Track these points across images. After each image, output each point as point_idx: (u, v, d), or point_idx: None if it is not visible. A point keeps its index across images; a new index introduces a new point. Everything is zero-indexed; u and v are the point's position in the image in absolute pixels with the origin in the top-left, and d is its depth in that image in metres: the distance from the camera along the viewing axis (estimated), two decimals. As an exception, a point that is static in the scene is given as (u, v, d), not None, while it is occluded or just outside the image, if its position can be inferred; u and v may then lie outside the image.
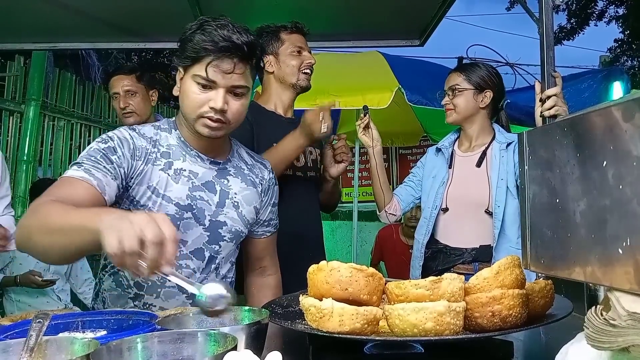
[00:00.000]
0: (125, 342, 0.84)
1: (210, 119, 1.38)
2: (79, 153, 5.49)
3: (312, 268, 1.01)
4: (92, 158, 1.33)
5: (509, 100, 3.39)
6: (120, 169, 1.35)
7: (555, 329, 1.07)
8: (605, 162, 0.71)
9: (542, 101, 1.76)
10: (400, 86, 4.01)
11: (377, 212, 2.36)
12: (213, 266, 1.52)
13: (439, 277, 0.95)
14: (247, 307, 1.13)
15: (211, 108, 1.36)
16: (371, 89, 4.12)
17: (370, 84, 4.21)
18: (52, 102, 5.05)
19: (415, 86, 4.11)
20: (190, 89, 1.38)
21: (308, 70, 2.13)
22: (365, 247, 6.31)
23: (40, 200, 1.22)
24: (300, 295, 1.03)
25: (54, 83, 5.12)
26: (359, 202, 5.30)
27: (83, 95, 5.49)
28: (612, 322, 0.66)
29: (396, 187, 2.44)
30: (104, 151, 1.35)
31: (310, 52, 2.16)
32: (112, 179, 1.32)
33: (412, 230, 4.09)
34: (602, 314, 0.69)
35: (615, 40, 13.79)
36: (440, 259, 2.15)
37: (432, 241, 2.20)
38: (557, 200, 0.83)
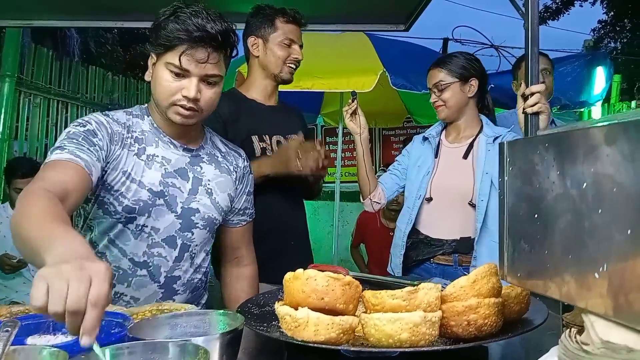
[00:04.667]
0: (93, 356, 0.82)
1: (182, 107, 1.37)
2: (56, 130, 5.33)
3: (289, 276, 0.99)
4: (74, 141, 1.29)
5: (492, 85, 3.35)
6: (102, 151, 1.33)
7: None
8: (585, 184, 0.70)
9: (525, 98, 1.74)
10: (384, 69, 3.97)
11: (361, 200, 2.32)
12: (187, 254, 1.50)
13: (415, 287, 0.95)
14: (221, 311, 1.11)
15: (184, 97, 1.35)
16: (356, 71, 4.06)
17: (355, 67, 4.16)
18: (28, 79, 4.91)
19: (400, 69, 4.06)
20: (163, 77, 1.36)
21: (293, 65, 2.07)
22: (347, 228, 6.31)
23: (30, 188, 1.13)
24: (276, 303, 1.02)
25: (30, 59, 4.97)
26: (341, 182, 5.28)
27: (60, 71, 5.34)
28: (585, 347, 0.66)
29: (379, 169, 2.39)
30: (84, 134, 1.32)
31: (301, 47, 2.09)
32: (96, 160, 1.30)
33: (393, 214, 4.10)
34: (575, 337, 0.69)
35: (599, 22, 13.80)
36: (420, 249, 2.14)
37: (414, 231, 2.19)
38: (536, 215, 0.82)
